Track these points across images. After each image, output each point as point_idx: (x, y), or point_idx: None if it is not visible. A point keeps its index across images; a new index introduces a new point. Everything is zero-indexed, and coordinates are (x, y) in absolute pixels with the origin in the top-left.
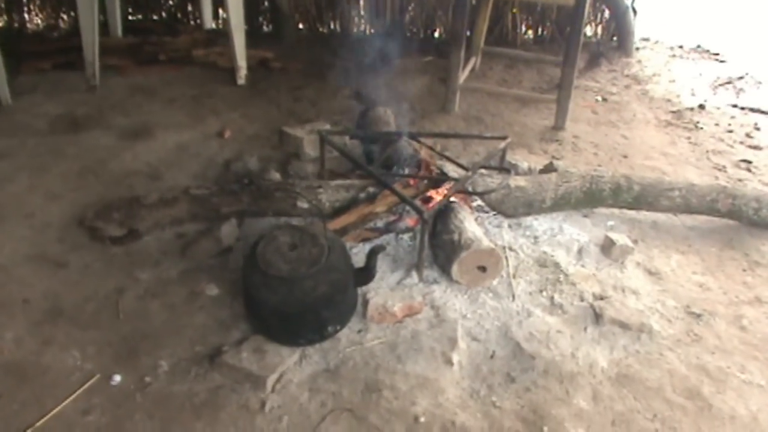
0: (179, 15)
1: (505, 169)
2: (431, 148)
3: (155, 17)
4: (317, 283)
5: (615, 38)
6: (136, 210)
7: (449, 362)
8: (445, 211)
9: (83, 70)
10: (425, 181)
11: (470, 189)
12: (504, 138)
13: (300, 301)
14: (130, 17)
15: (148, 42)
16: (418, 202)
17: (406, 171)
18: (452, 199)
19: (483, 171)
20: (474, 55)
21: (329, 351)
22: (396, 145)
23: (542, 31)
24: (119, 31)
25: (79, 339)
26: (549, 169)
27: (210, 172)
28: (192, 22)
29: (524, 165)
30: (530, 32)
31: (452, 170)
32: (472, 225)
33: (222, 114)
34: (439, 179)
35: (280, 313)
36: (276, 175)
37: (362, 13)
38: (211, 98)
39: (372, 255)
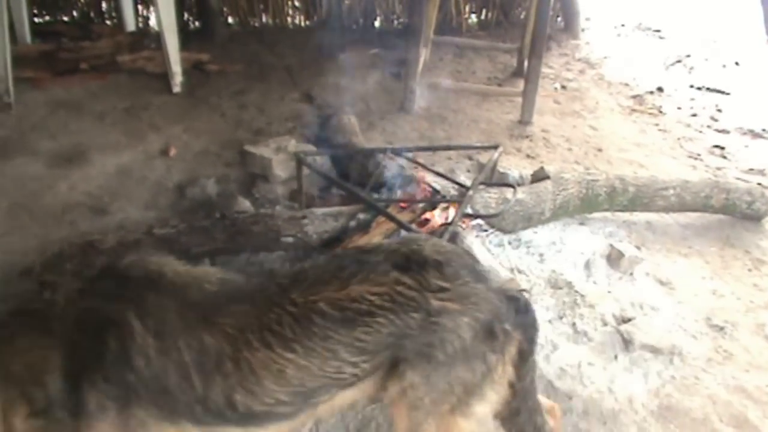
0: (92, 15)
1: (507, 184)
2: (421, 165)
3: (65, 18)
4: None
5: (559, 19)
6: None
7: None
8: (450, 237)
9: None
10: (420, 203)
11: (477, 211)
12: (495, 147)
13: None
14: (35, 19)
15: (63, 48)
16: (420, 230)
17: (398, 192)
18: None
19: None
20: (424, 46)
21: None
22: (380, 162)
23: (487, 14)
24: (27, 37)
25: None
26: (541, 175)
27: (162, 199)
28: (108, 22)
29: (515, 174)
30: (474, 17)
31: (433, 181)
32: (482, 252)
33: (162, 128)
34: (434, 201)
35: None
36: (246, 203)
37: (296, 4)
38: (146, 110)
39: None
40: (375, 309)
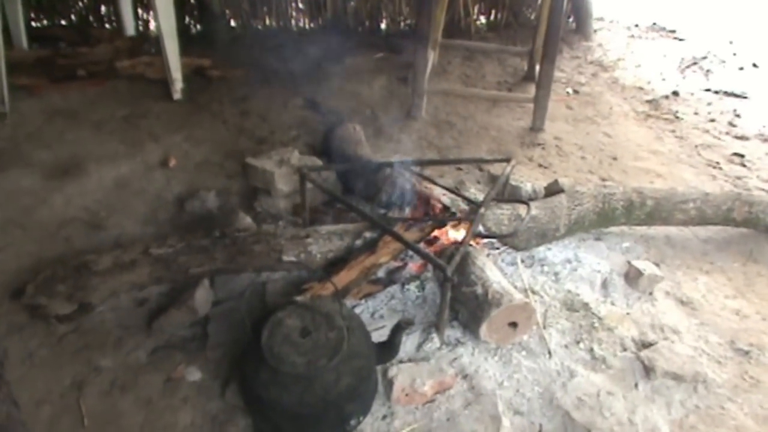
0: (91, 19)
1: (520, 200)
2: (430, 179)
3: (63, 22)
4: (340, 374)
5: (571, 19)
6: (86, 279)
7: None
8: (461, 258)
9: None
10: (429, 221)
11: (489, 229)
12: (507, 160)
13: (321, 399)
14: (32, 24)
15: (60, 54)
16: (432, 253)
17: (406, 210)
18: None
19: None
20: (432, 49)
21: None
22: (387, 177)
23: (496, 15)
24: (24, 42)
25: None
26: (554, 189)
27: (161, 213)
28: (107, 26)
29: (528, 187)
30: (482, 18)
31: (442, 196)
32: (495, 272)
33: (162, 137)
34: (444, 219)
35: (296, 415)
36: (247, 219)
37: (300, 5)
38: (145, 118)
39: (398, 331)
40: None
